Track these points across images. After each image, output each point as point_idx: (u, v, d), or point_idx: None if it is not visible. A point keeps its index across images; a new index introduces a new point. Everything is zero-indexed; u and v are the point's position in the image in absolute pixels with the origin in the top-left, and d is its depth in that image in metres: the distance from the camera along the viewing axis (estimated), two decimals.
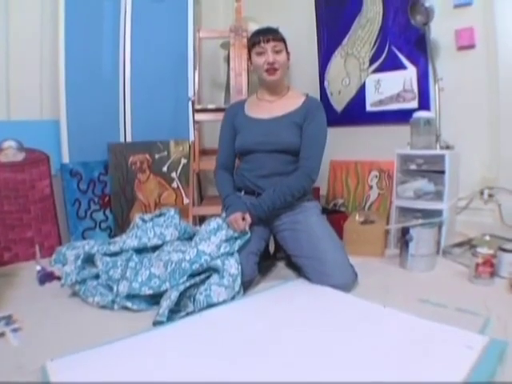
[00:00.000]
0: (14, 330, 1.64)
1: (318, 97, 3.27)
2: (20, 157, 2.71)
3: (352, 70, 3.18)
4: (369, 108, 3.11)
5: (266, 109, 2.29)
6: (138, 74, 3.19)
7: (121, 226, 3.03)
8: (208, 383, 1.23)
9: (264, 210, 2.13)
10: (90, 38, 3.02)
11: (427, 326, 1.53)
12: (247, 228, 2.09)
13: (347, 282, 1.99)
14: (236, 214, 2.08)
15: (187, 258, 1.94)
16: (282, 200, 2.12)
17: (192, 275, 1.89)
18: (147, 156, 3.13)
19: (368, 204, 3.07)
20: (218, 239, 2.04)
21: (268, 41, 2.18)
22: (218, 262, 1.93)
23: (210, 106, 3.08)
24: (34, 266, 2.35)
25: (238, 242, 2.06)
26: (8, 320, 1.72)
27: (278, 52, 2.20)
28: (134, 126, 3.19)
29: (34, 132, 2.82)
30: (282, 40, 2.23)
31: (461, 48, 2.69)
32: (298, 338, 1.49)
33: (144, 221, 2.32)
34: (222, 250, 2.00)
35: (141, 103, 3.20)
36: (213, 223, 2.14)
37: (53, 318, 1.80)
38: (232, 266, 1.93)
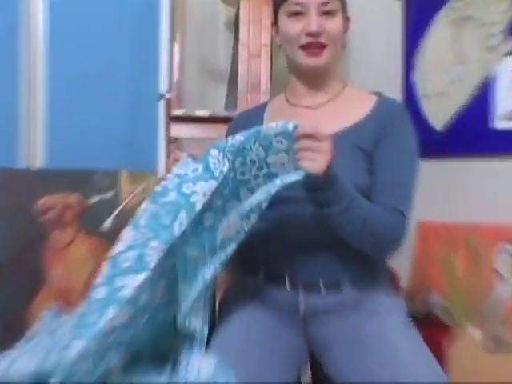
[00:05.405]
0: None
1: None
2: None
3: (469, 50, 1.94)
4: (498, 123, 1.89)
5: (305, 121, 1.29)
6: (60, 52, 1.95)
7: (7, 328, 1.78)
8: None
9: (342, 194, 1.18)
10: None
11: None
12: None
13: None
14: None
15: None
16: (362, 218, 1.20)
17: None
18: (74, 198, 1.90)
19: (494, 307, 1.92)
20: None
21: None
22: None
23: (200, 113, 1.98)
24: None
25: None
26: None
27: (328, 14, 1.37)
28: (49, 141, 1.93)
29: None
30: None
31: None
32: None
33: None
34: None
35: (64, 102, 1.95)
36: None
37: None
38: None
